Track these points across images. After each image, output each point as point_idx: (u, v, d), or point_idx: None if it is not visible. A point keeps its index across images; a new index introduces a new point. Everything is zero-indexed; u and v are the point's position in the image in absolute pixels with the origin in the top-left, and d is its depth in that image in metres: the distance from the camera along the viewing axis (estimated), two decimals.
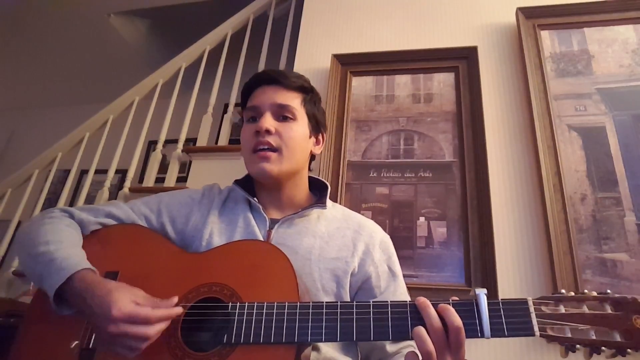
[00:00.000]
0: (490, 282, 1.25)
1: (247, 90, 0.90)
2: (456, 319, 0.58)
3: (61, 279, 0.66)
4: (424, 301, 0.61)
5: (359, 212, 1.44)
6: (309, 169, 0.94)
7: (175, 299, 0.66)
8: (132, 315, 0.61)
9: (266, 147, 0.81)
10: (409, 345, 0.79)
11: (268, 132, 0.81)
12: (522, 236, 1.34)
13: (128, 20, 3.18)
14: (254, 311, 0.65)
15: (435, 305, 0.60)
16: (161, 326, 0.62)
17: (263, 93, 0.86)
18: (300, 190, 0.90)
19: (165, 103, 2.24)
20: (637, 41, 1.51)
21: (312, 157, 0.94)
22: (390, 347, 0.78)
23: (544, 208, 1.31)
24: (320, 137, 0.94)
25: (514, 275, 1.29)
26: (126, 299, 0.62)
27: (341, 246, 0.83)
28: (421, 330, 0.58)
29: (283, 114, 0.85)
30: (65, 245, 0.73)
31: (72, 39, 3.31)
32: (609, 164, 1.35)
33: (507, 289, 1.26)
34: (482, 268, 1.30)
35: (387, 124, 1.62)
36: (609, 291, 0.60)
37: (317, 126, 0.91)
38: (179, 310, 0.65)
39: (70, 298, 0.67)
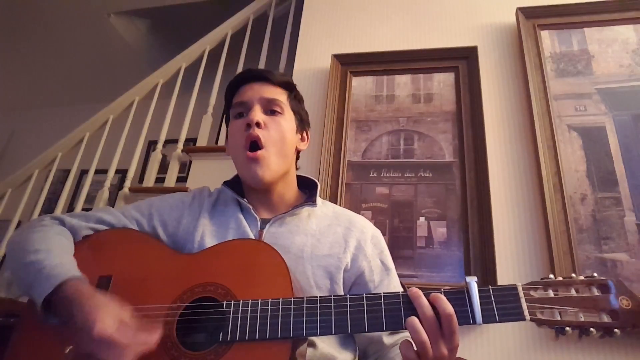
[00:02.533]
0: (490, 282, 1.25)
1: (232, 88, 0.91)
2: (447, 307, 0.59)
3: (49, 288, 0.65)
4: (416, 291, 0.62)
5: (359, 212, 1.45)
6: (296, 167, 0.95)
7: (161, 327, 0.64)
8: (111, 341, 0.59)
9: (255, 141, 0.82)
10: (406, 337, 0.79)
11: (258, 124, 0.83)
12: (522, 236, 1.34)
13: (128, 20, 3.18)
14: (249, 308, 0.65)
15: (427, 295, 0.61)
16: (134, 354, 0.60)
17: (250, 89, 0.88)
18: (290, 188, 0.91)
19: (165, 103, 2.24)
20: (637, 41, 1.51)
21: (297, 155, 0.95)
22: (387, 339, 0.78)
23: (544, 208, 1.31)
24: (305, 135, 0.96)
25: (514, 275, 1.29)
26: (111, 320, 0.61)
27: (333, 243, 0.83)
28: (414, 320, 0.59)
29: (271, 108, 0.86)
30: (54, 253, 0.72)
31: (72, 39, 3.31)
32: (609, 164, 1.35)
33: None
34: (482, 268, 1.30)
35: (387, 124, 1.62)
36: (595, 274, 0.62)
37: (302, 123, 0.94)
38: (157, 337, 0.63)
39: (57, 307, 0.66)
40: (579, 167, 1.37)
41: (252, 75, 0.90)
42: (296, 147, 0.92)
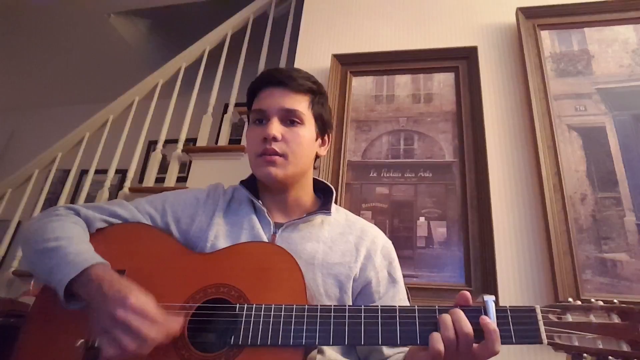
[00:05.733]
0: (490, 282, 1.25)
1: (254, 90, 0.89)
2: (466, 326, 0.58)
3: (76, 271, 0.66)
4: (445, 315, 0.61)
5: (359, 212, 1.45)
6: (314, 168, 0.93)
7: (182, 319, 0.65)
8: (145, 310, 0.61)
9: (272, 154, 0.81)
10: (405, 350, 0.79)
11: (275, 139, 0.81)
12: (522, 236, 1.34)
13: (128, 20, 3.18)
14: (262, 313, 0.64)
15: (446, 310, 0.61)
16: (162, 335, 0.61)
17: (270, 96, 0.84)
18: (306, 192, 0.90)
19: (165, 103, 2.24)
20: (637, 41, 1.51)
21: (316, 156, 0.93)
22: (387, 350, 0.78)
23: (544, 208, 1.31)
24: (326, 138, 0.93)
25: (514, 275, 1.29)
26: (144, 296, 0.63)
27: (344, 251, 0.83)
28: (437, 333, 0.59)
29: (290, 119, 0.83)
30: (75, 240, 0.73)
31: (72, 39, 3.31)
32: (609, 164, 1.35)
33: (507, 289, 1.26)
34: (482, 268, 1.30)
35: (387, 124, 1.62)
36: (615, 301, 0.60)
37: (323, 127, 0.90)
38: (179, 325, 0.64)
39: (80, 290, 0.67)
40: (579, 167, 1.37)
41: (274, 80, 0.85)
42: (316, 153, 0.90)
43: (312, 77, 0.89)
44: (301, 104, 0.85)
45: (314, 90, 0.88)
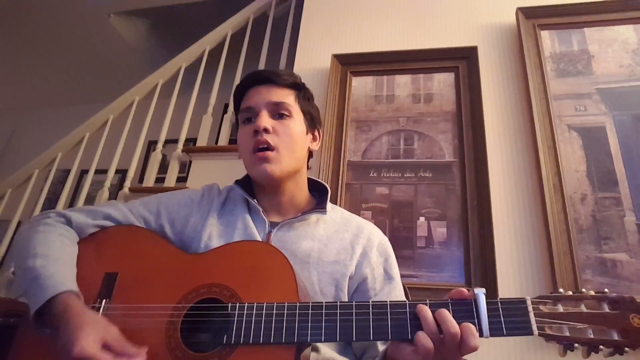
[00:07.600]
0: (490, 282, 1.25)
1: (240, 92, 0.90)
2: (453, 326, 0.58)
3: (41, 301, 0.65)
4: (422, 307, 0.61)
5: (359, 212, 1.46)
6: (307, 167, 0.94)
7: (145, 350, 0.63)
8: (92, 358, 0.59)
9: (265, 146, 0.81)
10: None
11: (266, 130, 0.81)
12: (522, 236, 1.34)
13: (128, 20, 3.18)
14: (254, 312, 0.64)
15: (434, 310, 0.60)
16: None
17: (257, 93, 0.86)
18: (301, 191, 0.90)
19: (165, 103, 2.24)
20: (637, 41, 1.51)
21: (310, 155, 0.94)
22: (382, 346, 0.78)
23: (544, 208, 1.31)
24: (316, 134, 0.94)
25: (514, 275, 1.29)
26: (92, 340, 0.60)
27: (340, 249, 0.83)
28: (422, 332, 0.59)
29: (279, 112, 0.85)
30: (51, 259, 0.71)
31: (72, 39, 3.31)
32: (609, 164, 1.35)
33: (507, 289, 1.26)
34: (482, 268, 1.30)
35: (387, 124, 1.62)
36: (606, 290, 0.60)
37: (312, 122, 0.92)
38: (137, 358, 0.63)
39: (49, 319, 0.66)
40: (579, 167, 1.37)
41: (259, 78, 0.88)
42: (308, 148, 0.90)
43: (295, 74, 0.92)
44: (288, 97, 0.87)
45: (299, 85, 0.91)
